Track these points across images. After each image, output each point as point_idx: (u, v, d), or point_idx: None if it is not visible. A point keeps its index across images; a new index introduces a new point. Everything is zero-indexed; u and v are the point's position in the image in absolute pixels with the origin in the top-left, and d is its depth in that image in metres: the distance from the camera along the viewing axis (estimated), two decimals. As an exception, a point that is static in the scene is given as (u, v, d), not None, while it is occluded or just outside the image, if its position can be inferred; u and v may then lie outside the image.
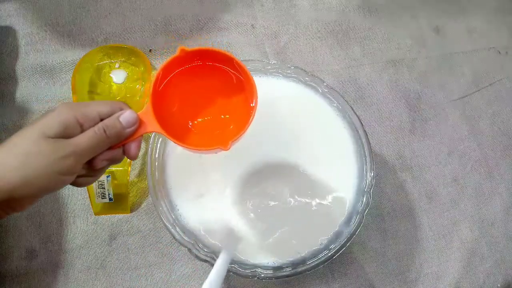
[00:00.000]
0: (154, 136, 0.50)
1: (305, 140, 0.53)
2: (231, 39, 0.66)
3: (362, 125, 0.53)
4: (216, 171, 0.51)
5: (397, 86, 0.68)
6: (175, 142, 0.38)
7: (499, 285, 0.62)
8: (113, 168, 0.54)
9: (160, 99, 0.39)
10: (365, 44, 0.70)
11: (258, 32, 0.67)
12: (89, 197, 0.54)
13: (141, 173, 0.58)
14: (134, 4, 0.65)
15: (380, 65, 0.69)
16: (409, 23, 0.73)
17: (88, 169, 0.36)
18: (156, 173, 0.49)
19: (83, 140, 0.33)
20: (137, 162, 0.58)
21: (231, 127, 0.41)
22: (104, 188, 0.53)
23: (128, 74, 0.58)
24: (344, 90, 0.66)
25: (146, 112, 0.37)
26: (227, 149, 0.37)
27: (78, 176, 0.35)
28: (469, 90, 0.71)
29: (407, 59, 0.70)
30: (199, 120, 0.42)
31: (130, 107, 0.37)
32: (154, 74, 0.38)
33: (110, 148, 0.36)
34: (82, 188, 0.56)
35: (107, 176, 0.53)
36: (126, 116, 0.35)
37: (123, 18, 0.64)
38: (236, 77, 0.42)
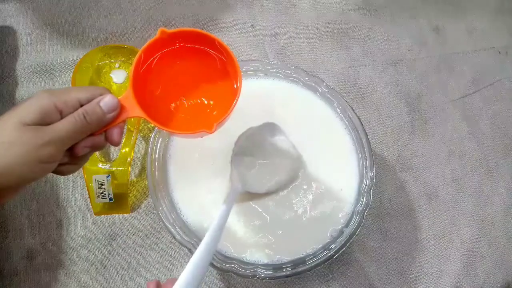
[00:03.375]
0: (154, 136, 0.50)
1: (304, 141, 0.53)
2: (231, 39, 0.66)
3: (362, 125, 0.53)
4: (217, 171, 0.51)
5: (397, 86, 0.68)
6: (158, 127, 0.37)
7: (499, 285, 0.62)
8: (113, 168, 0.54)
9: (142, 83, 0.38)
10: (365, 44, 0.70)
11: (258, 32, 0.67)
12: (89, 197, 0.54)
13: (141, 173, 0.58)
14: (134, 4, 0.65)
15: (380, 65, 0.69)
16: (409, 23, 0.73)
17: (70, 157, 0.35)
18: (156, 173, 0.49)
19: (63, 126, 0.32)
20: (137, 162, 0.58)
21: (215, 113, 0.40)
22: (104, 188, 0.53)
23: (128, 74, 0.58)
24: (344, 90, 0.66)
25: (127, 96, 0.36)
26: (212, 132, 0.37)
27: (61, 164, 0.34)
28: (469, 90, 0.71)
29: (407, 59, 0.70)
30: (183, 104, 0.41)
31: (111, 92, 0.36)
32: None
33: (92, 134, 0.35)
34: (82, 188, 0.56)
35: (107, 176, 0.53)
36: (106, 101, 0.34)
37: (123, 18, 0.64)
38: (220, 59, 0.41)
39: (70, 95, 0.33)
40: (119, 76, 0.58)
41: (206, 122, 0.38)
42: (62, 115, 0.33)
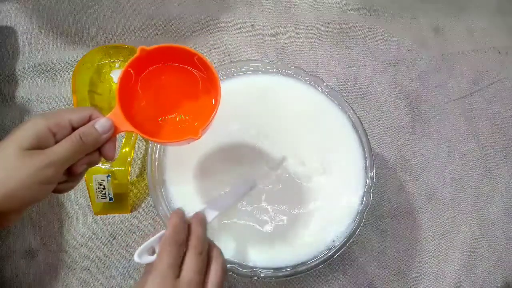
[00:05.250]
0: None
1: (305, 141, 0.53)
2: (231, 39, 0.66)
3: (362, 124, 0.53)
4: (217, 171, 0.51)
5: (397, 86, 0.68)
6: (147, 139, 0.39)
7: (499, 285, 0.62)
8: (113, 168, 0.54)
9: (128, 99, 0.40)
10: (365, 44, 0.70)
11: (258, 32, 0.67)
12: (89, 197, 0.54)
13: (141, 173, 0.58)
14: (134, 4, 0.65)
15: (380, 65, 0.69)
16: (409, 23, 0.73)
17: (68, 175, 0.36)
18: (156, 173, 0.49)
19: (61, 148, 0.34)
20: (137, 162, 0.58)
21: (196, 123, 0.42)
22: (104, 188, 0.53)
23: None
24: (344, 90, 0.66)
25: (115, 113, 0.38)
26: (198, 138, 0.38)
27: (60, 183, 0.36)
28: (469, 90, 0.71)
29: (407, 59, 0.70)
30: (168, 116, 0.43)
31: (100, 112, 0.37)
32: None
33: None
34: (82, 187, 0.56)
35: (107, 176, 0.53)
36: (101, 123, 0.36)
37: (123, 18, 0.64)
38: (201, 75, 0.43)
39: (61, 117, 0.35)
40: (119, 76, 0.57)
41: (191, 130, 0.40)
42: (55, 137, 0.34)
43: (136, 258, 0.36)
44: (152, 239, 0.37)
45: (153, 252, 0.37)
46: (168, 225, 0.37)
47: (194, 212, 0.41)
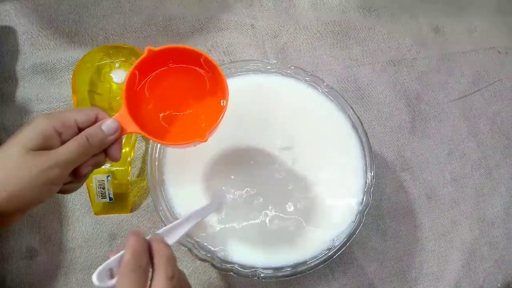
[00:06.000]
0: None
1: (305, 140, 0.53)
2: (231, 39, 0.66)
3: (362, 124, 0.53)
4: (217, 170, 0.51)
5: (397, 86, 0.68)
6: (154, 140, 0.39)
7: (499, 285, 0.62)
8: (113, 168, 0.54)
9: (135, 100, 0.40)
10: (365, 44, 0.70)
11: (258, 32, 0.67)
12: (89, 197, 0.54)
13: (141, 173, 0.58)
14: (134, 4, 0.65)
15: (380, 65, 0.69)
16: (409, 23, 0.73)
17: (73, 177, 0.36)
18: (156, 173, 0.49)
19: (67, 150, 0.33)
20: (137, 162, 0.58)
21: (203, 125, 0.42)
22: (104, 188, 0.53)
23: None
24: (344, 90, 0.66)
25: (122, 114, 0.37)
26: (205, 140, 0.38)
27: (65, 184, 0.35)
28: (469, 90, 0.71)
29: (407, 59, 0.70)
30: (175, 116, 0.43)
31: (106, 113, 0.37)
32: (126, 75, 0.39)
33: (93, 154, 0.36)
34: (82, 188, 0.56)
35: (107, 176, 0.53)
36: (108, 124, 0.36)
37: (123, 18, 0.64)
38: (209, 77, 0.43)
39: (67, 117, 0.34)
40: (119, 75, 0.58)
41: (197, 132, 0.40)
42: (61, 137, 0.34)
43: (95, 280, 0.31)
44: (109, 260, 0.32)
45: (111, 275, 0.32)
46: (126, 247, 0.32)
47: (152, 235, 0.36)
